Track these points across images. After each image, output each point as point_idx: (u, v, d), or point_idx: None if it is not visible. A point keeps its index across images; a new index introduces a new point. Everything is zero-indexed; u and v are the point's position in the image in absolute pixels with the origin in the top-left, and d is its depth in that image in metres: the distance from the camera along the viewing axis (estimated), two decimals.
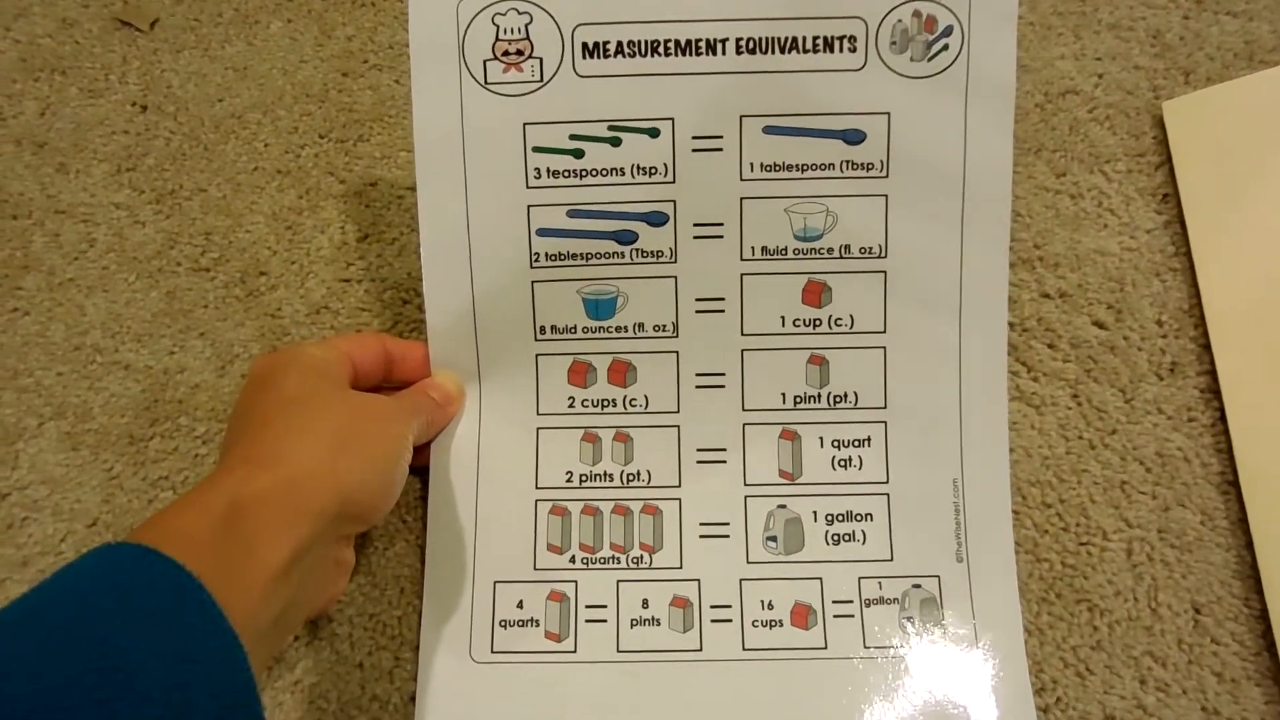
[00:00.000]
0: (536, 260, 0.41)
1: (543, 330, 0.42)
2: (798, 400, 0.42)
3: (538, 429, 0.42)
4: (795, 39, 0.39)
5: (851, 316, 0.42)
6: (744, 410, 0.42)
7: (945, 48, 0.39)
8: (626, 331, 0.42)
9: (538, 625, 0.40)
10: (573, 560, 0.41)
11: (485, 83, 0.40)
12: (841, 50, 0.39)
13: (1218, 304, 0.45)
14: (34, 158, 0.49)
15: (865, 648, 0.40)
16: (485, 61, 0.39)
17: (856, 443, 0.42)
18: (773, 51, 0.39)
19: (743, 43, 0.39)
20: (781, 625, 0.40)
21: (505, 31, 0.39)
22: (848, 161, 0.40)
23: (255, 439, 0.34)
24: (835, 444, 0.42)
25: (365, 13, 0.52)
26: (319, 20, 0.51)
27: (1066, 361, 0.45)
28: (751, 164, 0.40)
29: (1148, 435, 0.44)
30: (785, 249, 0.41)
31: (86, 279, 0.47)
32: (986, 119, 0.40)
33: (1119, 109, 0.49)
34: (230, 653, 0.28)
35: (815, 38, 0.39)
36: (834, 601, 0.40)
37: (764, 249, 0.41)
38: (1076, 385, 0.45)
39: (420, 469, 0.42)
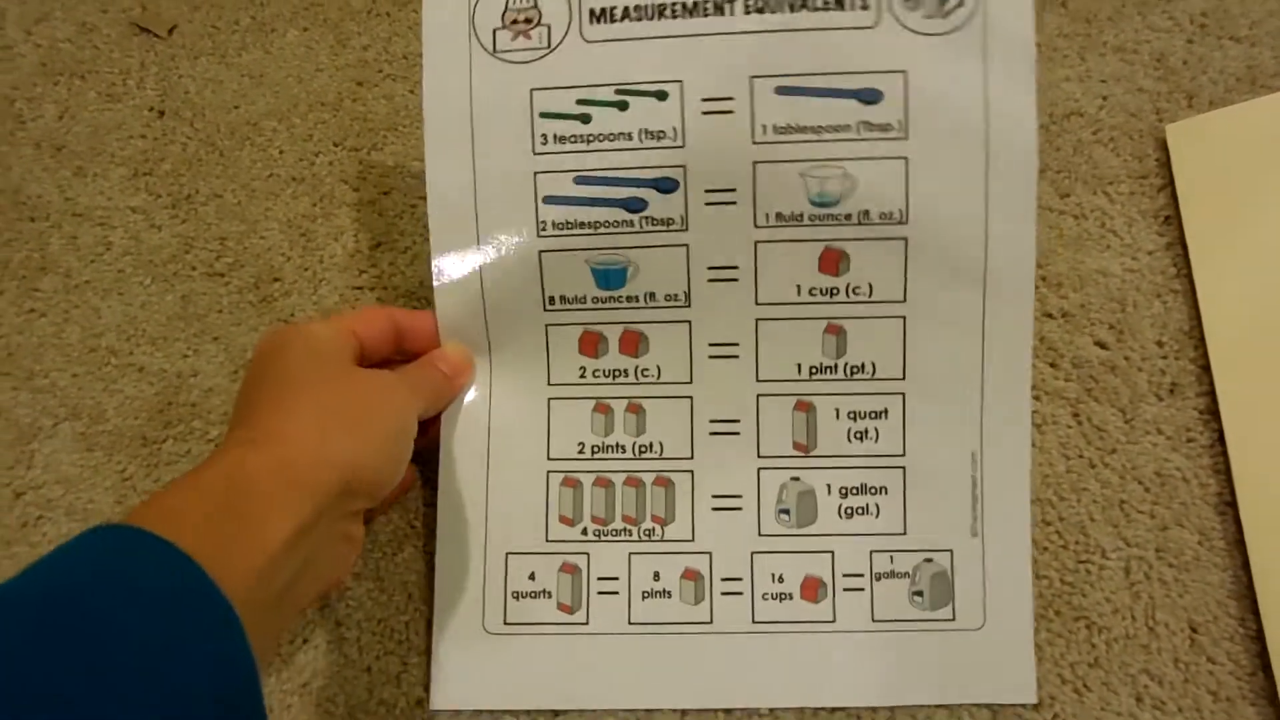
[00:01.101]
0: (544, 229, 0.40)
1: (552, 300, 0.41)
2: (813, 371, 0.41)
3: (549, 400, 0.42)
4: None
5: (870, 285, 0.40)
6: (758, 381, 0.41)
7: (961, 3, 0.38)
8: (638, 301, 0.41)
9: (550, 597, 0.40)
10: (585, 532, 0.41)
11: (494, 51, 0.40)
12: (853, 7, 0.38)
13: (1218, 326, 0.45)
14: (52, 160, 0.50)
15: (874, 621, 0.40)
16: (495, 30, 0.40)
17: (873, 414, 0.41)
18: (782, 10, 0.38)
19: (751, 2, 0.38)
20: (791, 598, 0.40)
21: (515, 2, 0.40)
22: (864, 123, 0.39)
23: (256, 418, 0.34)
24: (851, 416, 0.41)
25: (380, 23, 0.52)
26: (335, 29, 0.52)
27: (1068, 380, 0.46)
28: (764, 126, 0.39)
29: (1147, 455, 0.44)
30: (801, 215, 0.40)
31: (102, 281, 0.48)
32: (1008, 76, 0.39)
33: (1123, 131, 0.50)
34: (225, 626, 0.28)
35: None
36: (844, 575, 0.41)
37: (778, 215, 0.40)
38: (1077, 404, 0.45)
39: (428, 450, 0.42)
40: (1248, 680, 0.41)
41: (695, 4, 0.38)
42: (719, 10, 0.38)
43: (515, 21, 0.39)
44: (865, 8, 0.38)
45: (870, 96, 0.39)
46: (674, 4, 0.39)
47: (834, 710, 0.40)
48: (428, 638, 0.41)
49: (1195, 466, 0.44)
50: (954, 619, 0.40)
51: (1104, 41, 0.51)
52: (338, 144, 0.50)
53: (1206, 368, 0.45)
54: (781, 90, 0.39)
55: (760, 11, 0.38)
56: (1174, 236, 0.48)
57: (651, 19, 0.39)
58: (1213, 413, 0.45)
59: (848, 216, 0.40)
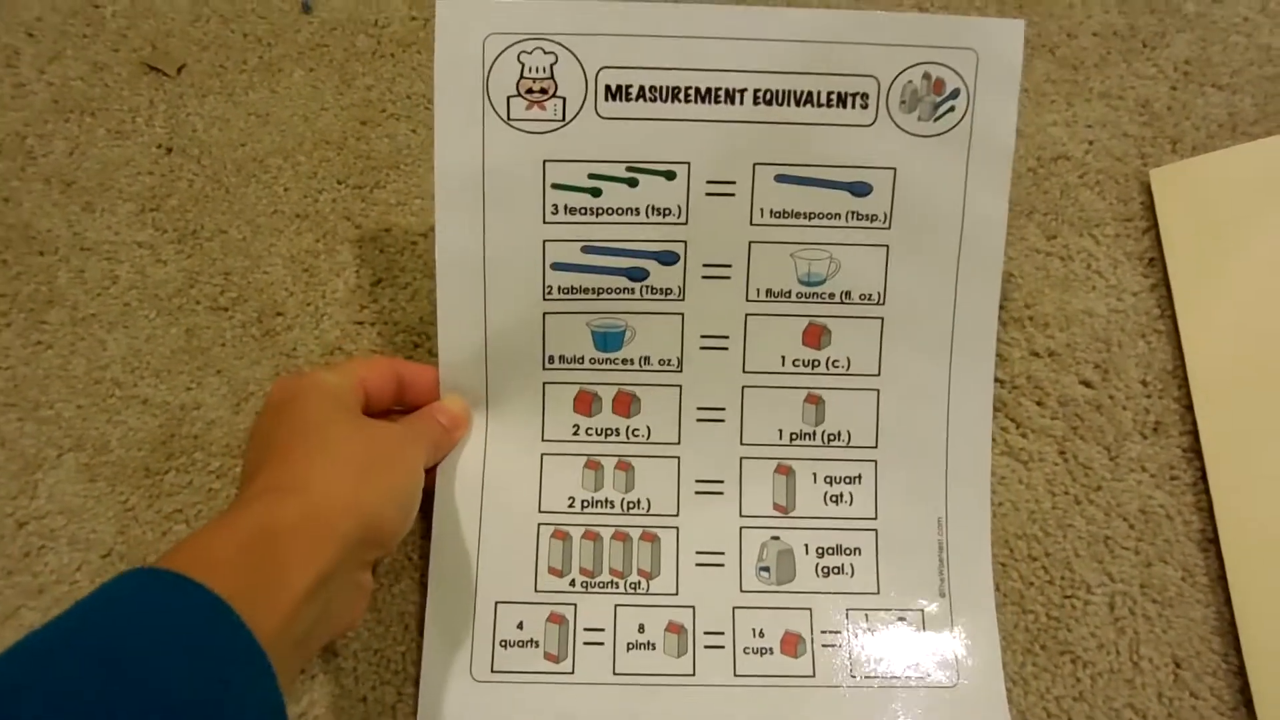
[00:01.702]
0: (549, 293, 0.42)
1: (551, 360, 0.43)
2: (793, 437, 0.44)
3: (542, 455, 0.43)
4: (811, 93, 0.41)
5: (848, 359, 0.44)
6: (742, 445, 0.44)
7: (951, 109, 0.41)
8: (632, 364, 0.43)
9: (537, 646, 0.41)
10: (573, 583, 0.42)
11: (508, 119, 0.41)
12: (854, 106, 0.41)
13: (1200, 366, 0.46)
14: (62, 196, 0.51)
15: (852, 676, 0.41)
16: (509, 98, 0.40)
17: (848, 479, 0.44)
18: (789, 104, 0.41)
19: (760, 94, 0.40)
20: (772, 653, 0.41)
21: (530, 70, 0.40)
22: (853, 212, 0.42)
23: (279, 466, 0.35)
24: (828, 480, 0.44)
25: (385, 64, 0.54)
26: (340, 70, 0.53)
27: (1054, 419, 0.47)
28: (761, 210, 0.42)
29: (1131, 492, 0.45)
30: (789, 292, 0.43)
31: (108, 315, 0.48)
32: (985, 178, 0.42)
33: (1108, 175, 0.51)
34: (261, 675, 0.29)
35: (830, 93, 0.41)
36: (822, 631, 0.42)
37: (769, 291, 0.43)
38: (1063, 442, 0.46)
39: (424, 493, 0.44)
40: (1230, 715, 0.42)
41: (708, 90, 0.40)
42: (729, 98, 0.40)
43: (530, 91, 0.40)
44: (865, 107, 0.41)
45: (861, 190, 0.42)
46: (688, 88, 0.40)
47: None
48: (421, 652, 0.42)
49: (1179, 504, 0.45)
50: (929, 676, 0.41)
51: (1090, 88, 0.52)
52: (341, 182, 0.51)
53: (1189, 407, 0.46)
54: (781, 178, 0.42)
55: (768, 103, 0.40)
56: (1158, 278, 0.49)
57: (665, 101, 0.40)
58: (1195, 451, 0.46)
59: (831, 295, 0.43)
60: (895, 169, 0.42)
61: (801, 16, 0.40)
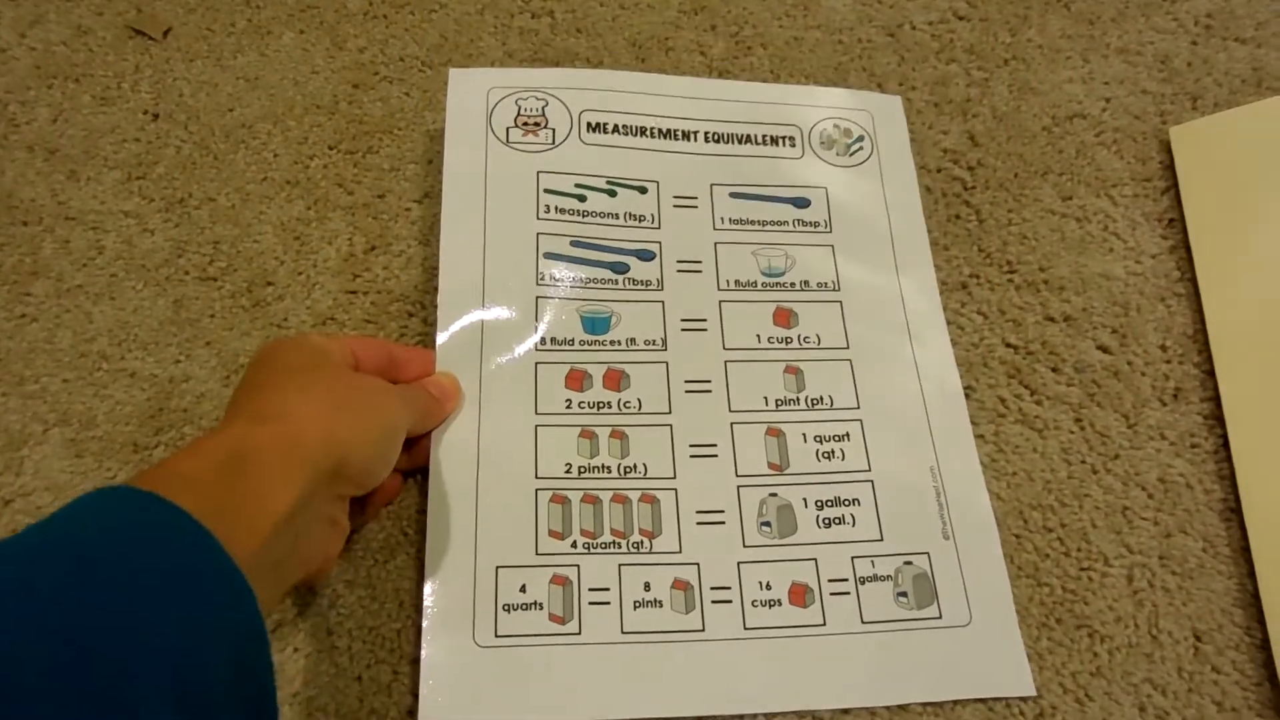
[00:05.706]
0: (542, 279, 0.46)
1: (543, 341, 0.45)
2: (779, 403, 0.46)
3: (536, 426, 0.44)
4: (749, 135, 0.51)
5: (818, 335, 0.47)
6: (731, 411, 0.45)
7: (861, 148, 0.52)
8: (620, 345, 0.46)
9: (541, 608, 0.41)
10: (574, 545, 0.42)
11: (507, 142, 0.49)
12: (784, 145, 0.51)
13: (1222, 330, 0.45)
14: (45, 164, 0.49)
15: (863, 623, 0.41)
16: (508, 128, 0.49)
17: (836, 438, 0.45)
18: (733, 142, 0.51)
19: (709, 134, 0.51)
20: (780, 604, 0.41)
21: (525, 110, 0.49)
22: (798, 220, 0.50)
23: (257, 399, 0.35)
24: (818, 439, 0.45)
25: (377, 25, 0.52)
26: (331, 32, 0.52)
27: (1070, 385, 0.45)
28: (722, 218, 0.49)
29: (1150, 461, 0.44)
30: (755, 282, 0.48)
31: (95, 286, 0.47)
32: (898, 199, 0.51)
33: (1126, 133, 0.49)
34: (241, 596, 0.28)
35: (764, 135, 0.51)
36: (829, 580, 0.42)
37: (737, 282, 0.48)
38: (1079, 409, 0.45)
39: (419, 470, 0.43)
40: (1253, 690, 0.40)
41: (668, 129, 0.51)
42: (685, 136, 0.51)
43: (526, 123, 0.49)
44: (793, 145, 0.52)
45: (801, 203, 0.50)
46: (652, 127, 0.51)
47: (832, 712, 0.40)
48: (419, 646, 0.41)
49: (1199, 472, 0.44)
50: (940, 617, 0.41)
51: (1107, 43, 0.50)
52: (333, 147, 0.50)
53: (1210, 372, 0.45)
54: (734, 194, 0.50)
55: (717, 141, 0.51)
56: (1178, 239, 0.47)
57: (635, 135, 0.50)
58: (1217, 418, 0.44)
59: (792, 284, 0.48)
60: (826, 188, 0.51)
61: (736, 87, 0.53)
